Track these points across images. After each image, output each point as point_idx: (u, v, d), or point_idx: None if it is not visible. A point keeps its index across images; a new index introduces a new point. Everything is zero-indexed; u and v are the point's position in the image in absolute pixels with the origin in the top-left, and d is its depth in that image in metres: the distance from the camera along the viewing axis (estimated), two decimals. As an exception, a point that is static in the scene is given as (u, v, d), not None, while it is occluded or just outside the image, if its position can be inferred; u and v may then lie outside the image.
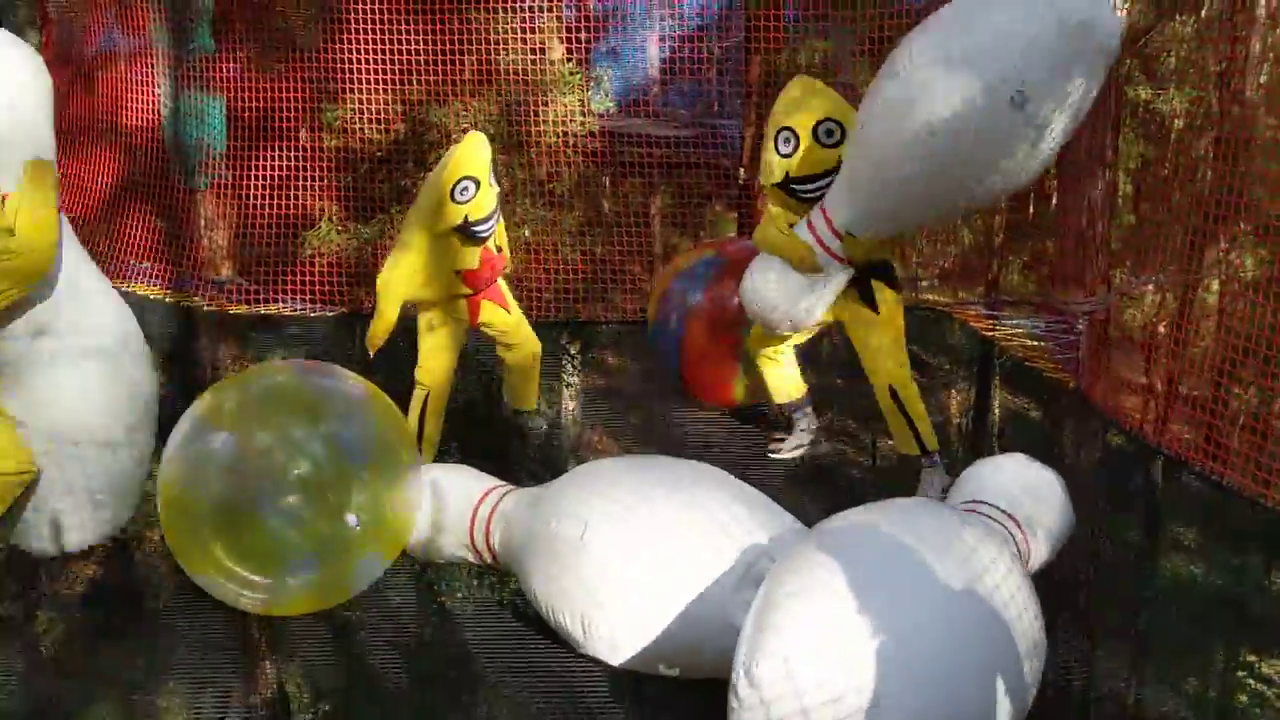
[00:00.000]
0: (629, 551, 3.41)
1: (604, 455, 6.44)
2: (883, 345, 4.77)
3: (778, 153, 4.48)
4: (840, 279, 4.65)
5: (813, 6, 6.91)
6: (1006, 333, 5.98)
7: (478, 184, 4.81)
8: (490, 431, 5.81)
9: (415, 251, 4.90)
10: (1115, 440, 5.65)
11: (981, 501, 3.67)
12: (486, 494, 4.13)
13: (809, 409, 5.12)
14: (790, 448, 5.11)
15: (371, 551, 3.83)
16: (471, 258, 5.01)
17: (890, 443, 6.05)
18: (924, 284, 8.15)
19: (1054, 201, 7.02)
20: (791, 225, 4.58)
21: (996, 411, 6.64)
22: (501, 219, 5.20)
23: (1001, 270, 7.12)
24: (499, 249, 5.22)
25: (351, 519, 3.66)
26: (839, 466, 5.12)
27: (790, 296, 4.68)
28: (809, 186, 4.49)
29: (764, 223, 4.78)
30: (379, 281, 4.95)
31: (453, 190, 4.75)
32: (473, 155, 4.85)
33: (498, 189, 4.98)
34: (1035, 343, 5.72)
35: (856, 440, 6.14)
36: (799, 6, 7.06)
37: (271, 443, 3.75)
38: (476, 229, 4.88)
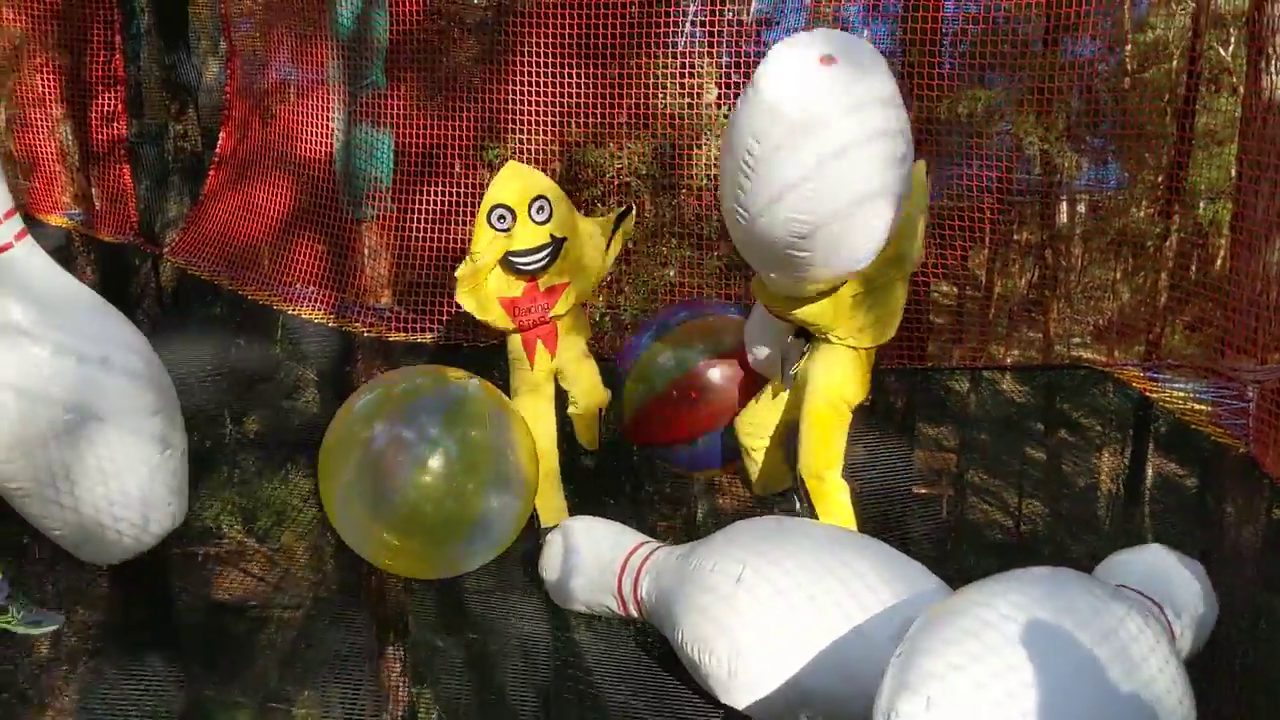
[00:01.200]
0: (784, 600, 3.42)
1: (734, 494, 6.42)
2: (809, 412, 4.47)
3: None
4: (792, 338, 4.66)
5: (974, 56, 6.82)
6: (1167, 395, 5.75)
7: (514, 215, 4.98)
8: (621, 466, 5.87)
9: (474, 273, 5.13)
10: (1281, 515, 5.37)
11: (1124, 586, 3.56)
12: (640, 544, 4.29)
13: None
14: None
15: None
16: (514, 288, 5.18)
17: (1032, 503, 5.90)
18: (1076, 341, 7.91)
19: (1219, 263, 6.76)
20: None
21: (1150, 478, 6.38)
22: (580, 276, 5.35)
23: (1163, 331, 6.86)
24: (550, 289, 5.26)
25: None
26: (982, 527, 4.99)
27: (753, 339, 4.92)
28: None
29: None
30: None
31: (489, 217, 4.99)
32: (503, 184, 5.06)
33: (550, 224, 5.11)
34: (1200, 406, 5.49)
35: (1000, 499, 5.98)
36: (958, 55, 6.97)
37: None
38: (516, 261, 5.08)
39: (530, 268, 5.13)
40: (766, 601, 3.45)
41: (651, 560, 4.12)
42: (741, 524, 4.01)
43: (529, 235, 5.05)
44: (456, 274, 5.15)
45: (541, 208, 5.04)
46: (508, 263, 5.11)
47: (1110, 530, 5.48)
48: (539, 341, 5.33)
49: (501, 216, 4.98)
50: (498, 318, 5.26)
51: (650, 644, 4.06)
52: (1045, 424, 7.08)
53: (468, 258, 5.11)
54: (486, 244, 5.01)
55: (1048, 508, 5.59)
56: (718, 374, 5.11)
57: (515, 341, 5.38)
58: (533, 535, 4.59)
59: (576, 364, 5.48)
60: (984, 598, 2.86)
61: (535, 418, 5.20)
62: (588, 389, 5.50)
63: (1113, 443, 6.89)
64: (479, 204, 5.02)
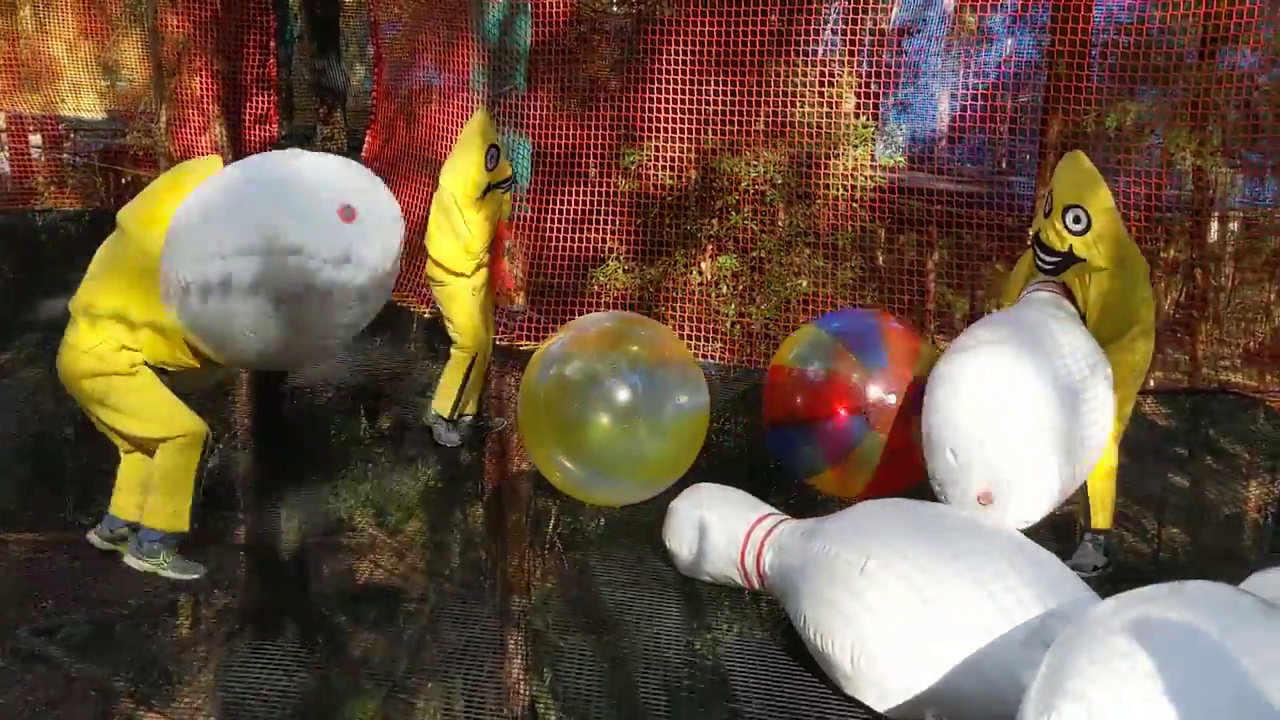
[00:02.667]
0: (912, 593, 3.34)
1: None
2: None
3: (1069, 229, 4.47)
4: None
5: (1124, 68, 6.61)
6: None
7: (499, 150, 5.83)
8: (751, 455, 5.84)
9: (456, 226, 5.77)
10: None
11: None
12: (763, 518, 4.21)
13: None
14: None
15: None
16: (504, 212, 6.04)
17: (1173, 531, 5.66)
18: (1224, 364, 7.59)
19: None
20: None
21: (1303, 510, 6.07)
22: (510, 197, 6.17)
23: (1319, 356, 6.54)
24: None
25: None
26: (1119, 553, 4.81)
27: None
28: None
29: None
30: (433, 254, 5.85)
31: (484, 160, 5.74)
32: (487, 126, 5.88)
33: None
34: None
35: (1139, 525, 5.77)
36: (1107, 67, 6.76)
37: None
38: (500, 186, 5.89)
39: (508, 188, 6.03)
40: (893, 594, 3.37)
41: (775, 535, 4.09)
42: (868, 506, 3.92)
43: (506, 167, 5.98)
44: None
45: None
46: (495, 191, 5.88)
47: (1255, 562, 5.22)
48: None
49: (493, 156, 5.80)
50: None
51: (782, 641, 4.02)
52: (1190, 449, 6.79)
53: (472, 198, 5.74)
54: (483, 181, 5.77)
55: (1189, 536, 5.36)
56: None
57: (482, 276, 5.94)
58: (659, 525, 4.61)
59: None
60: (1138, 613, 2.72)
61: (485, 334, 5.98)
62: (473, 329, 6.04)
63: (1261, 472, 6.57)
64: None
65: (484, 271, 5.94)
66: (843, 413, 4.64)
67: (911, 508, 3.86)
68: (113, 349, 4.00)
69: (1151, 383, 8.33)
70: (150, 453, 4.19)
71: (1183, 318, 7.84)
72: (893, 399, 4.59)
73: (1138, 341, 4.48)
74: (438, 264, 5.84)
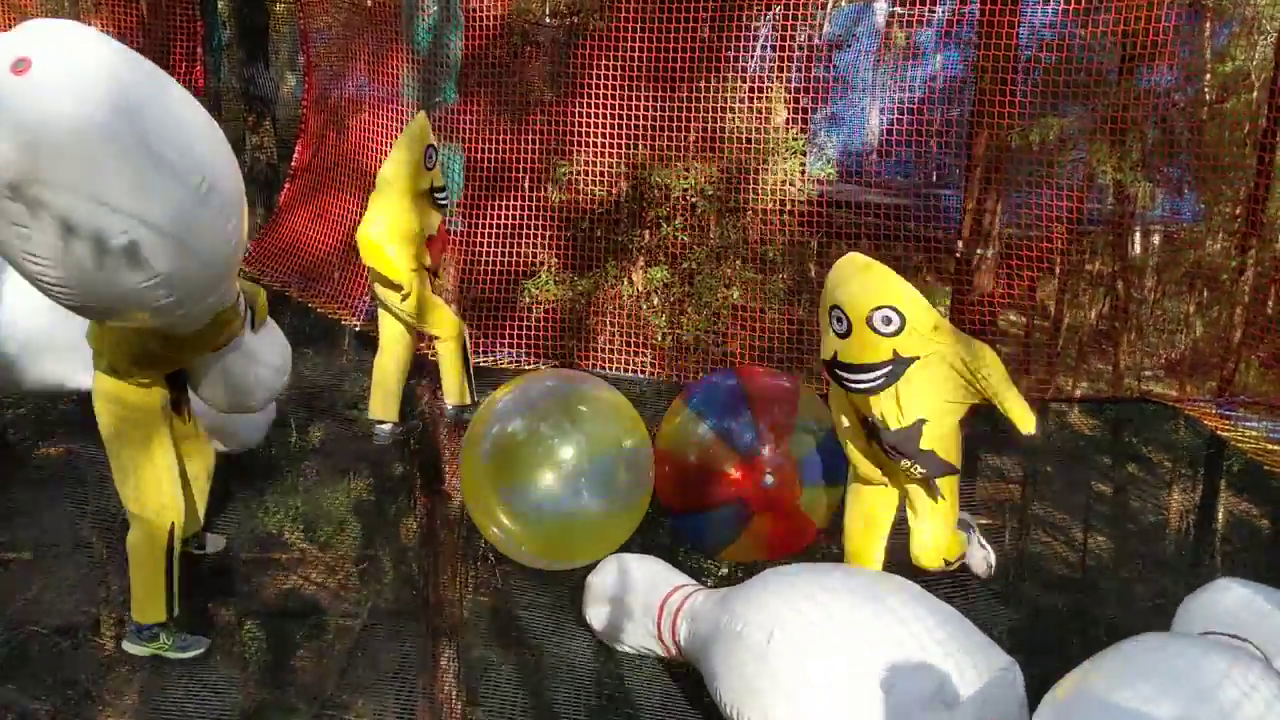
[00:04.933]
0: (817, 659, 3.33)
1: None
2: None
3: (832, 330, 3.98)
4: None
5: (1047, 84, 6.75)
6: (1241, 434, 5.63)
7: (437, 151, 5.82)
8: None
9: (395, 213, 5.73)
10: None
11: (1211, 632, 3.43)
12: (676, 589, 4.14)
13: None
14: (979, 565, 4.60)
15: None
16: (434, 224, 5.92)
17: (1098, 538, 5.78)
18: (1147, 374, 7.77)
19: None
20: None
21: (1221, 517, 6.23)
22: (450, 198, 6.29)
23: (1237, 367, 6.71)
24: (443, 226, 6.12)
25: None
26: (1046, 560, 4.91)
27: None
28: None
29: None
30: (367, 239, 5.73)
31: (424, 157, 5.71)
32: (428, 128, 5.81)
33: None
34: (1274, 446, 5.36)
35: (1065, 533, 5.88)
36: (1034, 83, 6.90)
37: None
38: (439, 195, 5.87)
39: (445, 200, 6.00)
40: (799, 665, 3.35)
41: (689, 604, 4.01)
42: (775, 576, 3.82)
43: (440, 175, 5.92)
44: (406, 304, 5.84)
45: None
46: (434, 199, 5.87)
47: (1179, 569, 5.36)
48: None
49: (430, 155, 5.77)
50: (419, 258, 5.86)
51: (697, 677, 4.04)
52: (1113, 458, 6.93)
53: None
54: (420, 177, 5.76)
55: (1114, 544, 5.48)
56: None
57: (423, 282, 5.92)
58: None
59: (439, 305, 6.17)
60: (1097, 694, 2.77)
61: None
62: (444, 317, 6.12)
63: (1183, 479, 6.73)
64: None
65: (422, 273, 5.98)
66: (724, 501, 4.59)
67: (815, 575, 3.79)
68: (121, 385, 3.77)
69: (1077, 392, 8.51)
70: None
71: (1106, 329, 8.03)
72: (770, 480, 4.53)
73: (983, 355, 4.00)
74: (380, 263, 5.80)
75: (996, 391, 3.92)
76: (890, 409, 3.96)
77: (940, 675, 3.20)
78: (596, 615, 4.29)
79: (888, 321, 3.83)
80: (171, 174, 3.01)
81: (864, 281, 3.91)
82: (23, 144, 2.74)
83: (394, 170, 5.78)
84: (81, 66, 2.86)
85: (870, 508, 4.29)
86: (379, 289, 5.93)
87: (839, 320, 3.93)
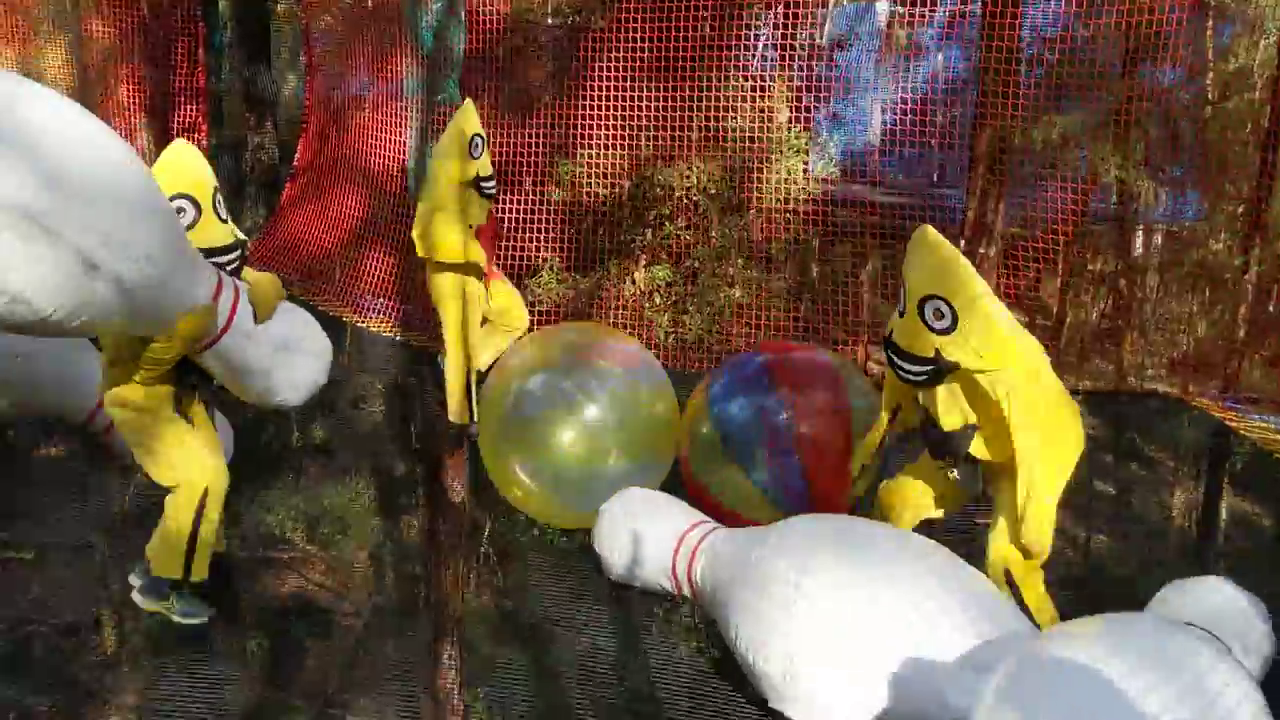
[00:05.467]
0: (847, 610, 3.34)
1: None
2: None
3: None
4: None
5: (1050, 81, 6.74)
6: (1248, 425, 5.60)
7: (484, 141, 5.66)
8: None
9: (447, 202, 5.64)
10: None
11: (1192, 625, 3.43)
12: (695, 525, 4.15)
13: None
14: None
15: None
16: (481, 214, 5.77)
17: (1100, 537, 5.76)
18: (1150, 374, 7.74)
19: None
20: None
21: (1224, 515, 6.21)
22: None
23: (1240, 366, 6.69)
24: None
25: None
26: (1047, 561, 4.90)
27: None
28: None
29: None
30: (428, 236, 5.66)
31: (469, 147, 5.57)
32: (475, 117, 5.67)
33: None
34: (1280, 438, 5.32)
35: (1066, 532, 5.86)
36: (1037, 81, 6.89)
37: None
38: (485, 185, 5.70)
39: (493, 189, 5.82)
40: (825, 611, 3.36)
41: (707, 542, 4.01)
42: (803, 522, 3.84)
43: (488, 162, 5.77)
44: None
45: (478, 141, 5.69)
46: (480, 189, 5.71)
47: (1182, 567, 5.34)
48: (495, 281, 5.97)
49: (475, 145, 5.61)
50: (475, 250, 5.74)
51: (707, 652, 4.03)
52: (1115, 457, 6.92)
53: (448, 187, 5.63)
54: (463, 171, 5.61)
55: (1116, 542, 5.46)
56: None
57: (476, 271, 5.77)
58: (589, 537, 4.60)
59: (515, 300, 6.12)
60: (1077, 649, 2.77)
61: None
62: (512, 304, 6.10)
63: (1186, 478, 6.72)
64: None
65: (474, 284, 5.85)
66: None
67: (847, 526, 3.81)
68: (126, 387, 3.84)
69: (1079, 391, 8.48)
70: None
71: (1108, 327, 8.00)
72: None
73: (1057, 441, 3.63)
74: (426, 250, 5.80)
75: (1027, 485, 3.53)
76: (936, 407, 3.72)
77: (971, 639, 3.19)
78: (608, 546, 4.31)
79: (939, 315, 3.54)
80: None
81: (927, 263, 3.61)
82: None
83: (438, 160, 5.75)
84: None
85: (917, 495, 4.08)
86: (435, 288, 5.87)
87: (901, 299, 3.69)
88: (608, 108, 7.37)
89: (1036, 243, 6.86)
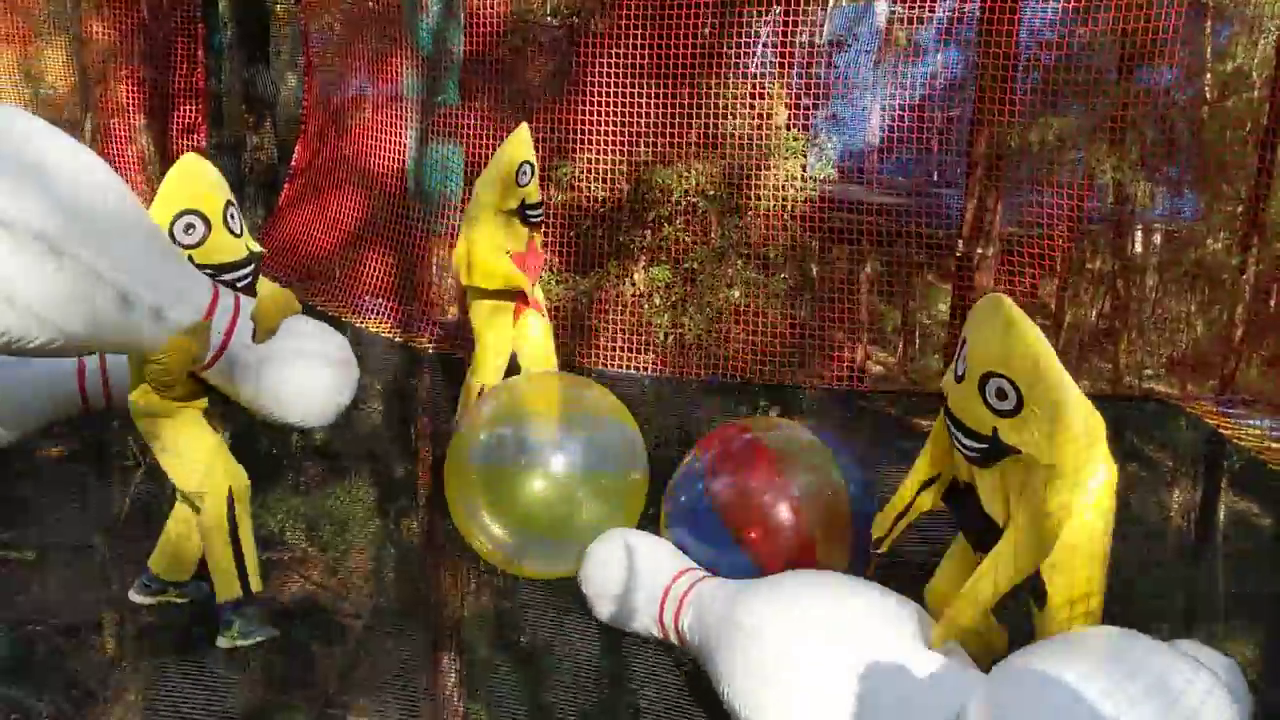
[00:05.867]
0: (831, 669, 3.25)
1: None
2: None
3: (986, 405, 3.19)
4: None
5: (1047, 83, 6.76)
6: (1243, 431, 5.62)
7: (533, 169, 5.45)
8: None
9: (485, 226, 5.46)
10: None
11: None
12: (683, 573, 4.00)
13: None
14: None
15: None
16: (521, 241, 5.59)
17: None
18: (1148, 373, 7.77)
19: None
20: None
21: (1222, 517, 6.22)
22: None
23: (1238, 366, 6.70)
24: (540, 243, 5.78)
25: None
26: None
27: None
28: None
29: None
30: (469, 257, 5.49)
31: (516, 174, 5.36)
32: (527, 143, 5.46)
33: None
34: (1277, 445, 5.34)
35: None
36: (1034, 83, 6.90)
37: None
38: (531, 213, 5.51)
39: (538, 219, 5.61)
40: (815, 673, 3.24)
41: (695, 593, 3.87)
42: (793, 576, 3.70)
43: (537, 190, 5.56)
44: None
45: (527, 169, 5.48)
46: (524, 217, 5.52)
47: (1180, 568, 5.35)
48: (528, 310, 5.67)
49: (524, 172, 5.40)
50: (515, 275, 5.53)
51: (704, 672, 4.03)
52: (1114, 458, 6.92)
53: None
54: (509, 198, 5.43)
55: (1115, 543, 5.43)
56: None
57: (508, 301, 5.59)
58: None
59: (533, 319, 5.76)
60: (1053, 672, 2.78)
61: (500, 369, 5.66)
62: (541, 341, 5.75)
63: (1184, 479, 6.73)
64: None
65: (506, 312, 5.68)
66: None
67: (837, 584, 3.61)
68: (146, 393, 3.81)
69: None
70: (196, 511, 3.99)
71: (1106, 327, 8.03)
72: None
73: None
74: (465, 276, 5.66)
75: (993, 569, 3.21)
76: (983, 489, 3.34)
77: (958, 699, 3.15)
78: (596, 592, 4.16)
79: (1001, 396, 3.12)
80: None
81: (994, 334, 3.19)
82: None
83: (482, 183, 5.59)
84: None
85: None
86: (472, 313, 5.74)
87: (961, 360, 3.28)
88: (607, 109, 7.37)
89: (1034, 244, 6.86)
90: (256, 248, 3.90)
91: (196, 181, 3.78)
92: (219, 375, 3.72)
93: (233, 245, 3.75)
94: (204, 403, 3.90)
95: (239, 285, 3.75)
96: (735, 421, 4.67)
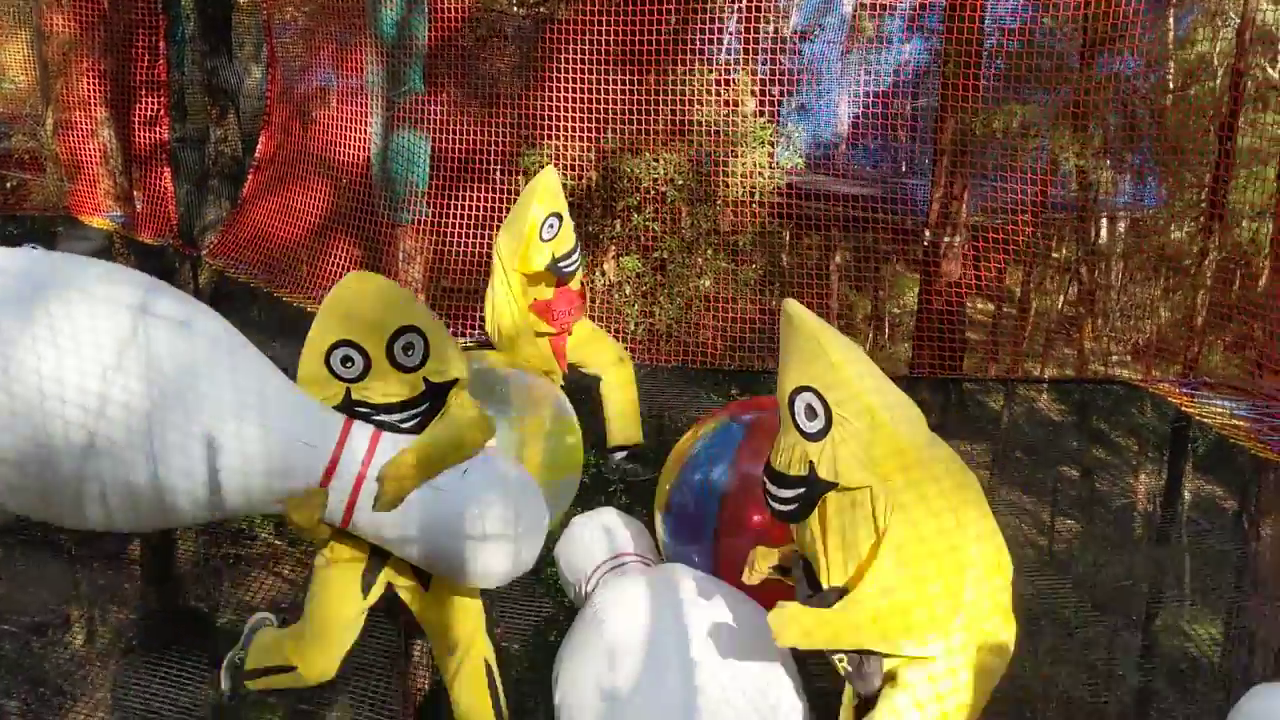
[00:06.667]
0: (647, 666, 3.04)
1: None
2: None
3: None
4: None
5: (1013, 70, 6.80)
6: (1206, 410, 5.69)
7: (561, 220, 4.90)
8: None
9: (504, 289, 5.02)
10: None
11: None
12: (614, 556, 3.76)
13: None
14: None
15: None
16: (544, 292, 5.08)
17: (1066, 521, 5.83)
18: (1114, 359, 7.84)
19: (1260, 283, 6.69)
20: None
21: (1187, 499, 6.31)
22: (582, 257, 5.26)
23: (1201, 351, 6.79)
24: (579, 287, 5.27)
25: None
26: (1015, 545, 4.97)
27: None
28: None
29: None
30: (497, 327, 5.02)
31: (540, 230, 4.84)
32: (550, 191, 4.92)
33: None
34: (1239, 422, 5.41)
35: (1034, 517, 5.92)
36: (998, 70, 6.95)
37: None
38: (563, 265, 4.97)
39: (572, 268, 5.08)
40: (628, 658, 3.05)
41: (600, 578, 3.64)
42: (646, 582, 3.47)
43: (569, 237, 5.00)
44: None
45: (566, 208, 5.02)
46: (558, 271, 5.00)
47: (1146, 550, 5.44)
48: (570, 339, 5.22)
49: (551, 225, 4.89)
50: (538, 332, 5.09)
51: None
52: (1080, 442, 7.01)
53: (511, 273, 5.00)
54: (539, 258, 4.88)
55: (1082, 527, 5.53)
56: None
57: (544, 349, 5.11)
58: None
59: (593, 340, 5.36)
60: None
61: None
62: (613, 360, 5.31)
63: (1150, 462, 6.82)
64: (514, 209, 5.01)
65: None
66: None
67: (701, 587, 3.34)
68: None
69: (1047, 374, 8.58)
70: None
71: (1072, 314, 8.09)
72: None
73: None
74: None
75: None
76: (817, 551, 2.74)
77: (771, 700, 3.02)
78: (563, 578, 3.94)
79: (811, 414, 2.63)
80: None
81: (791, 345, 2.75)
82: None
83: (502, 235, 5.11)
84: None
85: None
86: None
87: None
88: (574, 98, 7.36)
89: (1000, 231, 6.92)
90: (449, 375, 3.23)
91: (359, 304, 3.18)
92: (372, 534, 3.20)
93: (399, 381, 3.13)
94: (362, 560, 3.33)
95: (406, 424, 3.16)
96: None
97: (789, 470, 2.68)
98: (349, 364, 3.09)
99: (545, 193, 4.92)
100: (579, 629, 3.37)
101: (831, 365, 2.63)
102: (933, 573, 2.58)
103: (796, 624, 2.64)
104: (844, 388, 2.62)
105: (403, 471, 3.05)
